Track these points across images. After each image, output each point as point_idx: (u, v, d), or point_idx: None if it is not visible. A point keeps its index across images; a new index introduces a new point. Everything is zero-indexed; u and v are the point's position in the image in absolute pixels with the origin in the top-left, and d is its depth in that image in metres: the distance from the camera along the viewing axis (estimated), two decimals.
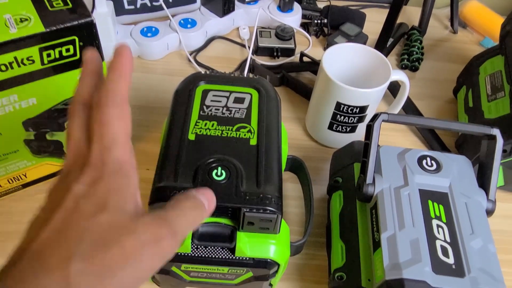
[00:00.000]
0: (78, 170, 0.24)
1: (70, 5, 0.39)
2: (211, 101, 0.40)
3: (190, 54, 0.65)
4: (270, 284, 0.40)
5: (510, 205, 0.54)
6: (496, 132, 0.40)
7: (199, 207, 0.27)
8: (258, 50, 0.67)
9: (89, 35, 0.39)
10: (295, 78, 0.63)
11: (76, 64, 0.41)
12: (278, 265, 0.36)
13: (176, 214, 0.26)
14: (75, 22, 0.38)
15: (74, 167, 0.25)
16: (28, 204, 0.48)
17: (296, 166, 0.45)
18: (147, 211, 0.26)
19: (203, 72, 0.43)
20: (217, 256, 0.35)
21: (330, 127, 0.54)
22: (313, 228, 0.49)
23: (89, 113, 0.26)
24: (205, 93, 0.40)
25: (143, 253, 0.23)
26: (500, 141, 0.40)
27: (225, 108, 0.39)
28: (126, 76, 0.27)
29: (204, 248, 0.35)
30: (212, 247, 0.35)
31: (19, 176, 0.47)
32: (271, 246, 0.35)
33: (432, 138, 0.58)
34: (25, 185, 0.48)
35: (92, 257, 0.22)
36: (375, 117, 0.40)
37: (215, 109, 0.39)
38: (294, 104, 0.62)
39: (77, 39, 0.39)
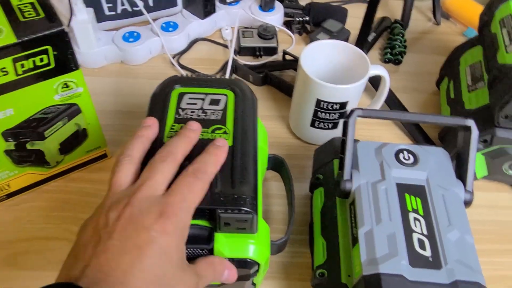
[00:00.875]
0: (153, 212, 0.29)
1: (42, 15, 0.39)
2: (187, 104, 0.40)
3: (173, 57, 0.66)
4: (253, 284, 0.40)
5: (494, 195, 0.55)
6: (470, 123, 0.40)
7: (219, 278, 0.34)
8: (240, 50, 0.67)
9: (62, 44, 0.39)
10: (277, 76, 0.63)
11: (51, 73, 0.41)
12: (258, 264, 0.36)
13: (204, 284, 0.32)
14: (47, 32, 0.38)
15: (146, 205, 0.30)
16: (13, 214, 0.48)
17: (278, 164, 0.45)
18: None
19: (184, 75, 0.44)
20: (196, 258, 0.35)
21: (312, 124, 0.54)
22: (298, 226, 0.49)
23: (175, 171, 0.33)
24: (181, 96, 0.40)
25: None
26: (475, 132, 0.40)
27: (200, 111, 0.39)
28: (219, 165, 0.34)
29: None
30: (191, 249, 0.35)
31: (3, 186, 0.47)
32: (250, 246, 0.35)
33: (416, 131, 0.58)
34: (9, 195, 0.49)
35: None
36: (350, 113, 0.40)
37: (191, 112, 0.39)
38: (277, 102, 0.62)
39: (50, 48, 0.39)
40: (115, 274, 0.27)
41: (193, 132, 0.36)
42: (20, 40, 0.37)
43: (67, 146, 0.48)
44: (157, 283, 0.28)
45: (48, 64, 0.40)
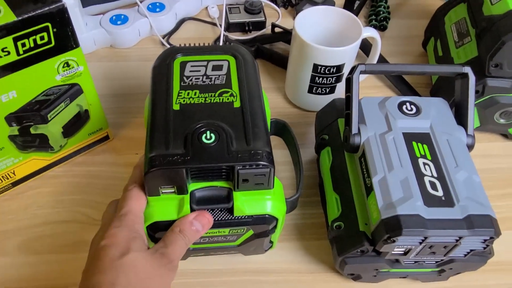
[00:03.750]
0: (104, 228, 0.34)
1: None
2: (190, 71, 0.40)
3: (163, 38, 0.65)
4: (271, 242, 0.41)
5: (487, 145, 0.57)
6: (467, 69, 0.42)
7: (195, 237, 0.35)
8: (229, 27, 0.67)
9: (61, 21, 0.39)
10: (269, 49, 0.64)
11: (52, 52, 0.40)
12: (276, 219, 0.37)
13: (175, 251, 0.34)
14: (46, 8, 0.38)
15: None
16: (22, 202, 0.48)
17: (280, 128, 0.46)
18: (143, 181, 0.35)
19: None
20: (216, 218, 0.36)
21: (310, 90, 0.55)
22: (306, 189, 0.50)
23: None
24: (183, 65, 0.41)
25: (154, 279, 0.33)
26: (472, 78, 0.42)
27: (205, 77, 0.40)
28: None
29: None
30: (211, 210, 0.36)
31: (8, 174, 0.46)
32: (268, 202, 0.36)
33: (407, 90, 0.60)
34: (15, 183, 0.48)
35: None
36: (353, 69, 0.41)
37: (195, 79, 0.39)
38: (271, 74, 0.63)
39: (50, 25, 0.39)
40: None
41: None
42: (20, 18, 0.37)
43: (70, 129, 0.48)
44: None
45: (49, 42, 0.39)
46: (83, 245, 0.45)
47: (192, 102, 0.38)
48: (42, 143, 0.47)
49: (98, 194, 0.49)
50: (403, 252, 0.38)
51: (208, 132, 0.35)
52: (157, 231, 0.36)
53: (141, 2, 0.65)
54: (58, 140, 0.48)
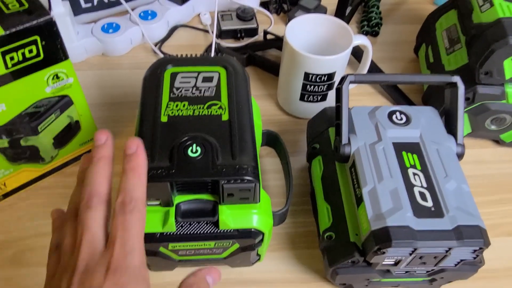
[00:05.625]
0: (99, 271, 0.26)
1: (26, 6, 0.39)
2: (180, 82, 0.40)
3: (155, 46, 0.65)
4: (258, 254, 0.41)
5: (479, 151, 0.57)
6: (456, 79, 0.42)
7: None
8: (221, 34, 0.67)
9: (50, 34, 0.39)
10: (261, 56, 0.64)
11: (41, 65, 0.40)
12: (263, 233, 0.37)
13: None
14: (34, 22, 0.38)
15: (91, 263, 0.27)
16: (10, 214, 0.48)
17: (272, 139, 0.46)
18: None
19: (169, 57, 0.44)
20: (202, 232, 0.36)
21: (302, 98, 0.55)
22: (298, 197, 0.50)
23: (107, 209, 0.29)
24: (173, 76, 0.41)
25: None
26: (461, 87, 0.42)
27: (194, 88, 0.40)
28: (144, 179, 0.29)
29: (188, 225, 0.36)
30: (196, 223, 0.36)
31: None
32: (254, 216, 0.36)
33: (399, 97, 0.60)
34: (6, 195, 0.48)
35: None
36: (342, 79, 0.41)
37: (185, 90, 0.39)
38: (263, 81, 0.63)
39: (38, 38, 0.38)
40: None
41: (102, 148, 0.30)
42: (8, 32, 0.36)
43: (61, 140, 0.48)
44: None
45: (38, 55, 0.39)
46: None
47: (180, 114, 0.38)
48: (33, 155, 0.46)
49: None
50: (393, 262, 0.38)
51: (194, 145, 0.35)
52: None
53: (132, 10, 0.65)
54: (49, 151, 0.48)
